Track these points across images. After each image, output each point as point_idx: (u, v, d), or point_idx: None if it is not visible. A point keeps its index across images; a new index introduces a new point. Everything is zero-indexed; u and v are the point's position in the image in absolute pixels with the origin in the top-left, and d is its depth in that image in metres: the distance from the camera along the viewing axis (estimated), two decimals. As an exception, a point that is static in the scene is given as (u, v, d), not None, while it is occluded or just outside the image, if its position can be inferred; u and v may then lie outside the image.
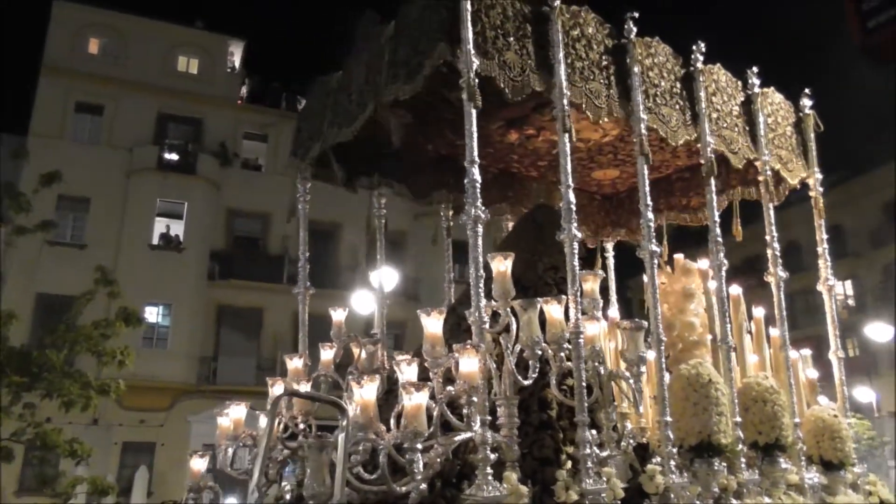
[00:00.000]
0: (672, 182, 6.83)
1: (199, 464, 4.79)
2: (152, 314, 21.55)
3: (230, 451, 5.02)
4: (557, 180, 5.95)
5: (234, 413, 5.05)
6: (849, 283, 22.38)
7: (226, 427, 5.11)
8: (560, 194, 5.82)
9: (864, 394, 14.84)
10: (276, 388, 5.40)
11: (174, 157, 23.13)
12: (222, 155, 23.66)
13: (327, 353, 5.62)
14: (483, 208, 3.96)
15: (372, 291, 15.32)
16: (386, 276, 15.09)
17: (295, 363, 5.39)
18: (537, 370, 3.94)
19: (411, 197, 6.37)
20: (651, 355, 4.49)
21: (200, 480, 4.79)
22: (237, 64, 25.32)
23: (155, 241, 22.19)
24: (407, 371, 3.97)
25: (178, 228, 22.51)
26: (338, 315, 5.77)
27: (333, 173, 5.92)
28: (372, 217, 6.21)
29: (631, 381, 4.23)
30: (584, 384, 4.06)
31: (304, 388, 5.15)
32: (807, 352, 5.87)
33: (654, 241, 4.67)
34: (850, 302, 24.54)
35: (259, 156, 24.95)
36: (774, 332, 5.49)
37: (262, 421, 4.86)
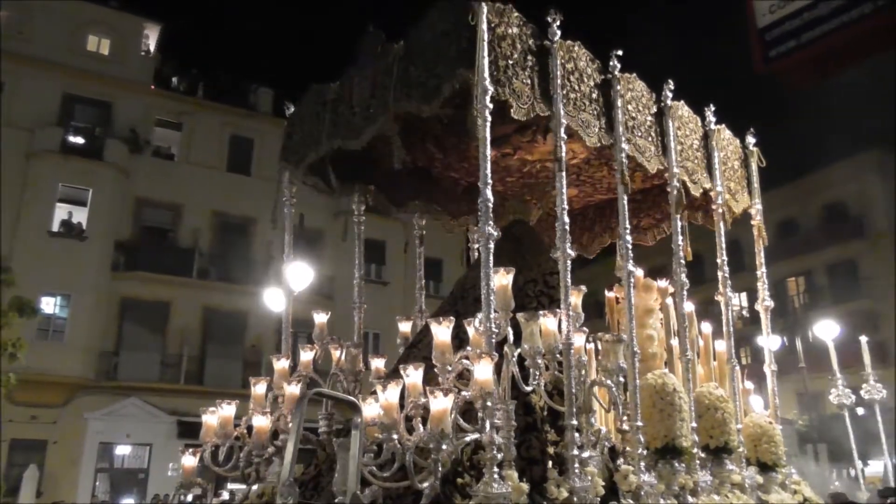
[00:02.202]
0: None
1: (190, 461, 4.81)
2: (49, 305, 20.43)
3: (221, 449, 5.04)
4: (532, 197, 6.37)
5: (224, 411, 5.08)
6: (744, 295, 24.15)
7: (212, 425, 5.13)
8: (535, 211, 6.25)
9: (754, 400, 16.03)
10: (259, 388, 5.49)
11: (80, 140, 21.94)
12: (132, 141, 22.65)
13: (307, 355, 5.74)
14: (494, 226, 4.24)
15: (284, 288, 15.26)
16: (302, 274, 15.08)
17: (282, 363, 5.48)
18: (538, 377, 4.27)
19: (390, 205, 6.55)
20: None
21: (191, 477, 4.80)
22: (152, 47, 24.33)
23: (55, 227, 21.01)
24: (413, 375, 4.21)
25: (81, 216, 21.39)
26: (320, 318, 5.89)
27: (314, 178, 6.03)
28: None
29: (614, 388, 4.64)
30: (573, 391, 4.43)
31: (292, 387, 5.26)
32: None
33: (631, 261, 5.11)
34: (745, 313, 26.68)
35: (172, 144, 24.06)
36: (720, 346, 6.08)
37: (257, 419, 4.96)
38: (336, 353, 5.82)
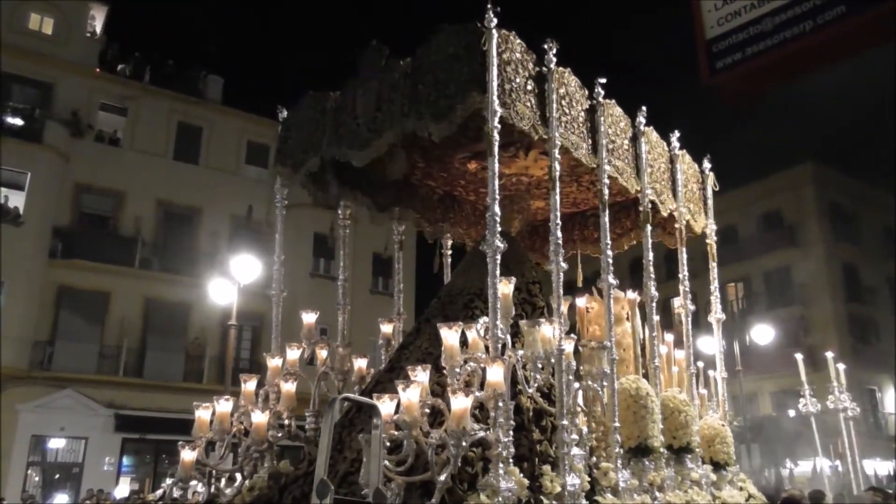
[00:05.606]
0: (587, 217, 7.80)
1: (189, 455, 4.96)
2: (-19, 291, 19.69)
3: (217, 445, 5.20)
4: (512, 210, 6.73)
5: (220, 407, 5.25)
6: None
7: (204, 421, 5.28)
8: (516, 223, 6.62)
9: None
10: (249, 385, 5.68)
11: (18, 121, 21.18)
12: (73, 124, 21.95)
13: (293, 353, 5.95)
14: (501, 239, 4.56)
15: (231, 280, 15.15)
16: (248, 268, 15.05)
17: (275, 362, 5.67)
18: (537, 379, 4.62)
19: (374, 210, 6.77)
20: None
21: (189, 471, 4.95)
22: (98, 29, 23.63)
23: (-10, 211, 20.24)
24: (421, 376, 4.50)
25: (17, 200, 20.65)
26: (308, 317, 6.10)
27: (304, 180, 6.23)
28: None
29: (601, 391, 5.04)
30: (565, 393, 4.81)
31: (289, 385, 5.46)
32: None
33: (611, 274, 5.52)
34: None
35: (117, 129, 23.44)
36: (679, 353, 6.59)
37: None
38: (321, 353, 6.06)
